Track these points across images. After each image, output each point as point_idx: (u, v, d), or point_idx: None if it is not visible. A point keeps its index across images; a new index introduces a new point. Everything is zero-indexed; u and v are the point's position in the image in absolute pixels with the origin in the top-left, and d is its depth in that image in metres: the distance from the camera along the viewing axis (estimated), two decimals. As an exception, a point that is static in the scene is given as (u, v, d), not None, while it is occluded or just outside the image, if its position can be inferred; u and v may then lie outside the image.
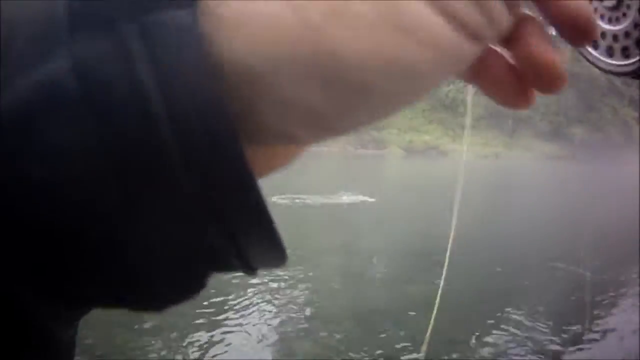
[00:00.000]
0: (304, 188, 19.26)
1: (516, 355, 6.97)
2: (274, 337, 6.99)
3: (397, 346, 6.73)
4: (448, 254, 4.40)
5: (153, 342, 6.53)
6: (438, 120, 46.31)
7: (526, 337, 7.41)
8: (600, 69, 0.48)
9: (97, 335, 6.06)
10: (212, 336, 6.80)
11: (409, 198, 21.76)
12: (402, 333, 7.18)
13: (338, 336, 7.09)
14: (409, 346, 6.60)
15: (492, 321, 7.86)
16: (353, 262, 11.03)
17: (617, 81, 52.92)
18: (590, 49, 0.48)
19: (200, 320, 7.11)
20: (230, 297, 8.07)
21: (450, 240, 4.27)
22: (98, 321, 5.96)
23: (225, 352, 6.45)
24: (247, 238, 0.26)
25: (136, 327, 6.72)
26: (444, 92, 48.21)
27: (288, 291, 8.73)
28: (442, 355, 6.55)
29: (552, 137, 47.16)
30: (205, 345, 6.57)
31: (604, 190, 26.89)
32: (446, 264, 4.35)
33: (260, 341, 6.82)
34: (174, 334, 6.73)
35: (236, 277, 9.08)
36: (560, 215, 18.18)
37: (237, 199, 0.24)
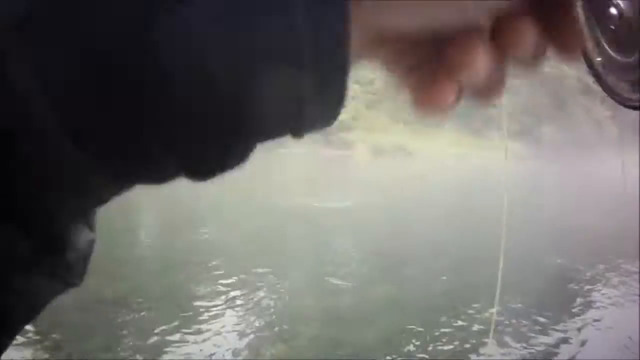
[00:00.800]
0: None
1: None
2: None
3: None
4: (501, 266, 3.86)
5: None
6: (404, 121, 45.82)
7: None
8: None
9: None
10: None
11: (378, 200, 21.38)
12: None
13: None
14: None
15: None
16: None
17: (589, 80, 53.04)
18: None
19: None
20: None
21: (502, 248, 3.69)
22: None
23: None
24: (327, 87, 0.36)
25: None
26: (411, 91, 47.51)
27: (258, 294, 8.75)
28: None
29: (521, 137, 46.84)
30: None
31: (575, 189, 26.72)
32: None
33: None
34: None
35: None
36: (532, 214, 17.87)
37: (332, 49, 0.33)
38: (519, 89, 50.40)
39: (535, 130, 47.03)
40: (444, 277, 10.32)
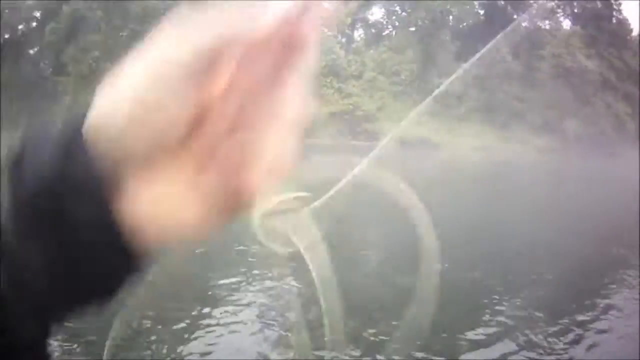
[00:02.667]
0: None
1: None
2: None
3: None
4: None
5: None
6: (430, 113, 45.78)
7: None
8: None
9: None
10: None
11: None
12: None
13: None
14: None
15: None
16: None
17: (611, 76, 52.90)
18: None
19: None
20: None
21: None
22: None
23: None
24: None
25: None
26: (437, 83, 47.66)
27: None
28: None
29: (545, 131, 46.83)
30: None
31: (597, 182, 26.75)
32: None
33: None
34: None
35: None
36: (554, 205, 17.95)
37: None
38: (543, 83, 50.46)
39: (558, 124, 46.98)
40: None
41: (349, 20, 43.71)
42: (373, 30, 55.04)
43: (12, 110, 34.95)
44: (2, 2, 39.23)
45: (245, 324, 7.04)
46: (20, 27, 43.93)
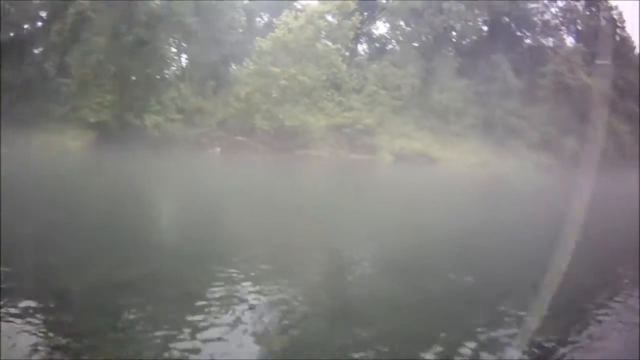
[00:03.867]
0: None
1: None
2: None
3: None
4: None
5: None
6: (429, 128, 46.29)
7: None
8: None
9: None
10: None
11: (397, 204, 22.06)
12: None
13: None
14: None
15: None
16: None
17: (611, 93, 53.07)
18: None
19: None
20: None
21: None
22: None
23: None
24: None
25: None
26: (436, 99, 48.23)
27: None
28: None
29: (543, 148, 47.13)
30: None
31: (595, 199, 26.93)
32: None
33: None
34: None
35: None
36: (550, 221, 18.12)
37: None
38: (543, 99, 50.77)
39: (556, 141, 47.21)
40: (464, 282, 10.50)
41: (352, 34, 44.14)
42: (377, 45, 55.54)
43: (14, 111, 35.37)
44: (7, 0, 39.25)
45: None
46: (25, 26, 43.53)
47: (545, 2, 58.44)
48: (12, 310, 6.72)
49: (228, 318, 7.11)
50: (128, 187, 21.42)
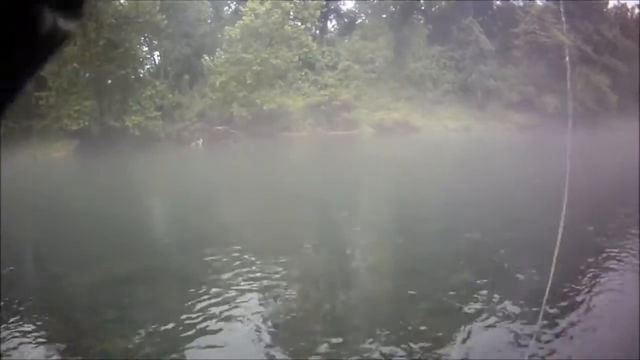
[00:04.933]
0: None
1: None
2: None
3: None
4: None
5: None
6: (406, 98, 46.44)
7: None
8: None
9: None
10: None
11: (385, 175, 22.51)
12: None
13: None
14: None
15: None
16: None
17: (588, 49, 53.33)
18: None
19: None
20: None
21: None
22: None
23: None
24: None
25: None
26: (411, 69, 48.38)
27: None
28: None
29: (524, 107, 47.35)
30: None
31: (584, 154, 27.26)
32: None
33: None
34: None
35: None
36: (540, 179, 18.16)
37: None
38: (518, 60, 50.96)
39: (536, 100, 47.42)
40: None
41: (319, 12, 44.00)
42: (346, 20, 55.29)
43: (-7, 129, 35.36)
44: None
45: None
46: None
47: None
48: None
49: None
50: (112, 190, 21.10)
